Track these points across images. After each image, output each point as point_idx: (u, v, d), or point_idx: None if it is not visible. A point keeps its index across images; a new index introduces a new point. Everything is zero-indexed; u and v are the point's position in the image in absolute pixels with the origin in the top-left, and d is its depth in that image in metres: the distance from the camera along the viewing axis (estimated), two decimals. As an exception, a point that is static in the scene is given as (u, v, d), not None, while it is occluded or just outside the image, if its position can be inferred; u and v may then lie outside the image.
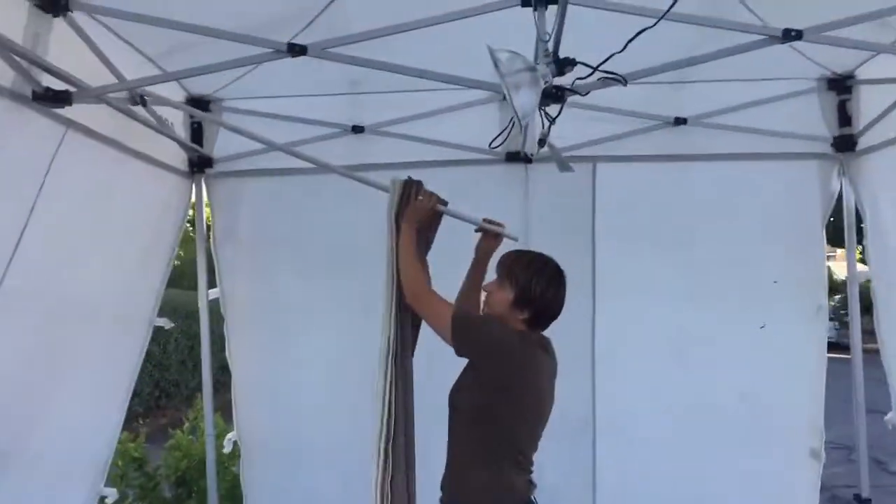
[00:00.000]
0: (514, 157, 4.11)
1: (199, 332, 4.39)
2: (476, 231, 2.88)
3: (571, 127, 3.42)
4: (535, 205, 4.07)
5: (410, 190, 2.75)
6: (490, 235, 2.87)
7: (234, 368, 4.40)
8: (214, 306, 4.31)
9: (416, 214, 2.71)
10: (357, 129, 4.17)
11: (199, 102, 4.15)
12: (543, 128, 3.18)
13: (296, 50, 2.69)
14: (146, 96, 3.39)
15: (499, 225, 2.85)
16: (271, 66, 2.86)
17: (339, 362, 4.19)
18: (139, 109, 3.42)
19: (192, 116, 4.17)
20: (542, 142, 3.17)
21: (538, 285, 2.49)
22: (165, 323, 4.06)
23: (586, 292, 4.11)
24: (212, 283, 4.33)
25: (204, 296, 4.27)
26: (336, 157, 3.82)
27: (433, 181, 2.85)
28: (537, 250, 2.62)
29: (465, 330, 2.46)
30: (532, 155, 3.76)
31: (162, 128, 3.63)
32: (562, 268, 2.55)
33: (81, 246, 3.28)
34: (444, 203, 2.80)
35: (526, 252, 2.62)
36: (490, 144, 3.40)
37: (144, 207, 3.88)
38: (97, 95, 2.89)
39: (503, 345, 2.46)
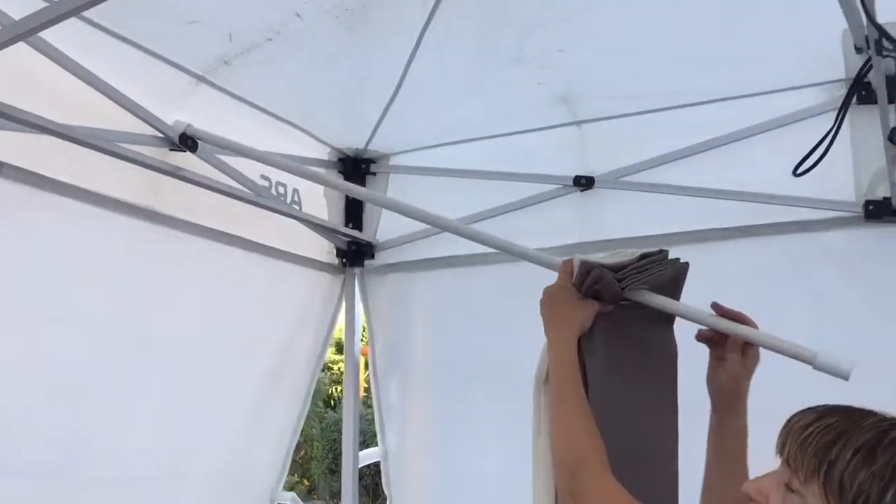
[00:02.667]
0: (883, 212, 2.20)
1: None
2: (700, 339, 1.50)
3: None
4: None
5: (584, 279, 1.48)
6: (745, 348, 1.44)
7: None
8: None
9: (581, 314, 1.48)
10: (583, 182, 2.60)
11: (354, 165, 2.85)
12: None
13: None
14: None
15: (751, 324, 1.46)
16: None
17: None
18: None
19: (347, 180, 2.86)
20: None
21: None
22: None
23: None
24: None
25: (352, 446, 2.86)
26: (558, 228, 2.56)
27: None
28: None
29: None
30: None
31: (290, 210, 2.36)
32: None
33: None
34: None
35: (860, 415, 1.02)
36: (795, 171, 1.96)
37: (270, 321, 2.60)
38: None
39: None
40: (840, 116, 1.89)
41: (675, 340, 1.56)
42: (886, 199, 2.13)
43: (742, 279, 2.34)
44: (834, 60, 2.14)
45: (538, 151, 2.63)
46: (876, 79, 1.70)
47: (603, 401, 1.44)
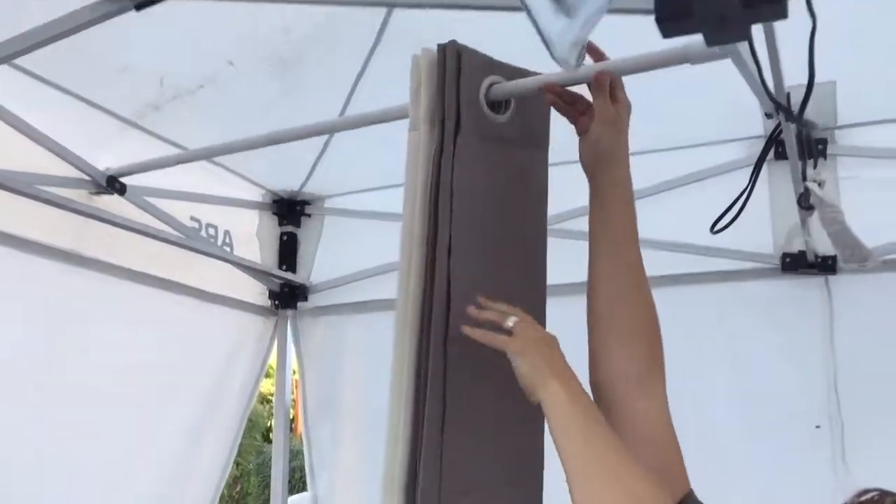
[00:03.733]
0: (798, 264, 2.30)
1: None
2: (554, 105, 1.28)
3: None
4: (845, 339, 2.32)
5: None
6: (612, 93, 1.21)
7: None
8: None
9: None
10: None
11: (289, 206, 2.85)
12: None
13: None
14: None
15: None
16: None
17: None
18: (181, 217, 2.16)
19: (281, 222, 2.86)
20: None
21: None
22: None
23: None
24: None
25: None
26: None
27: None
28: None
29: None
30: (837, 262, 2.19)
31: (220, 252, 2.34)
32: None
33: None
34: None
35: None
36: (712, 228, 1.94)
37: (200, 363, 2.56)
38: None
39: None
40: (755, 173, 1.96)
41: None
42: (802, 252, 2.21)
43: (665, 326, 2.39)
44: (756, 117, 2.23)
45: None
46: (787, 140, 1.77)
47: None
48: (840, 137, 2.24)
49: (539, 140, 1.36)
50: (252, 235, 2.76)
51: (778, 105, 1.12)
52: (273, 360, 2.90)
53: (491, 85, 1.28)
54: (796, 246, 2.26)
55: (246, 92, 2.19)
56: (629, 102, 1.23)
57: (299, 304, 2.89)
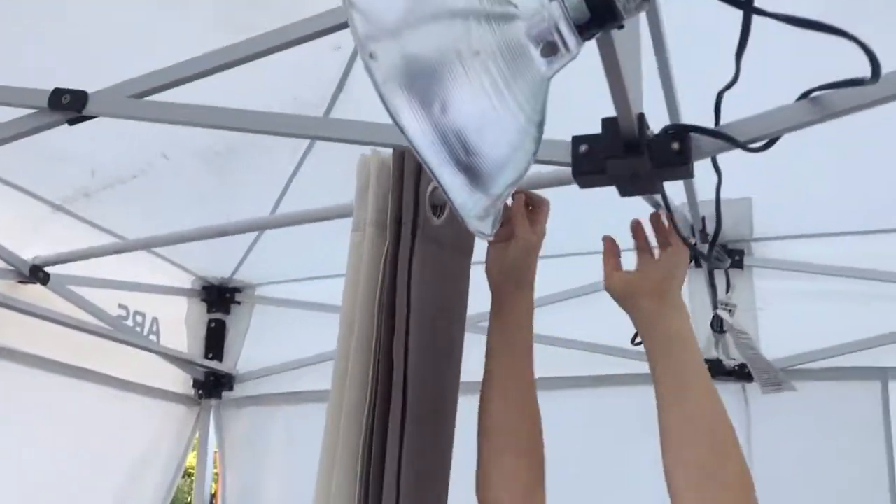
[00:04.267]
0: (716, 371, 2.32)
1: None
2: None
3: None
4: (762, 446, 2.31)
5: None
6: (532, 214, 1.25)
7: None
8: None
9: None
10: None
11: (219, 293, 2.83)
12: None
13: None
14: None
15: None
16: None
17: None
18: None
19: (210, 309, 2.83)
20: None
21: None
22: None
23: None
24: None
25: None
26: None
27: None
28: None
29: None
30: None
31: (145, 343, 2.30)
32: None
33: None
34: None
35: None
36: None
37: (117, 455, 2.48)
38: None
39: None
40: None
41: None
42: (719, 361, 2.28)
43: (589, 426, 2.43)
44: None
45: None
46: (707, 255, 1.85)
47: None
48: (756, 249, 2.35)
49: (467, 246, 1.37)
50: (180, 322, 2.72)
51: (681, 237, 1.17)
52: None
53: (434, 188, 1.29)
54: (713, 353, 2.32)
55: (179, 183, 2.20)
56: (545, 231, 1.25)
57: (224, 394, 2.83)
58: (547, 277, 2.52)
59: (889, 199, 2.08)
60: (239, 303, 2.88)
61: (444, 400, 1.22)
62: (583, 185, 0.90)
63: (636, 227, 1.21)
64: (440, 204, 1.31)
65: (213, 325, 2.85)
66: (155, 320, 2.59)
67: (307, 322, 2.74)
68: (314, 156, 2.17)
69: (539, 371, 2.43)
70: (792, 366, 2.26)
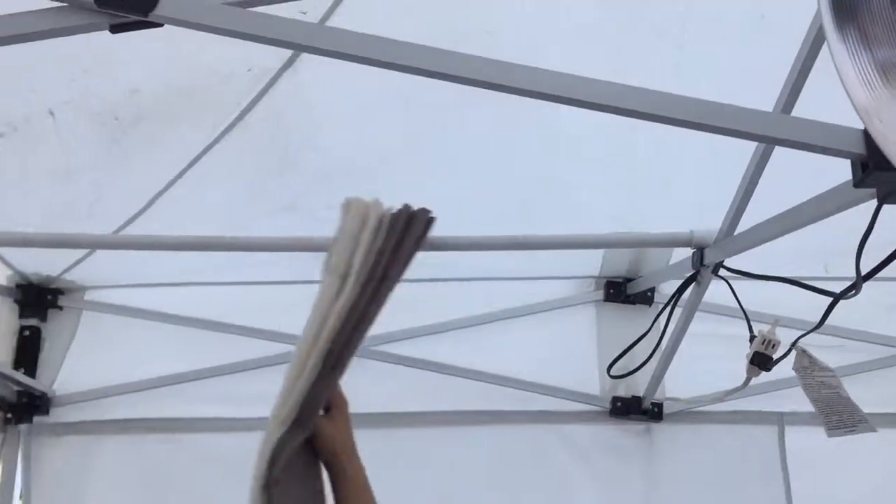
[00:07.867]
0: (628, 410, 2.29)
1: None
2: None
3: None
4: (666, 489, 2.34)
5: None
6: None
7: None
8: None
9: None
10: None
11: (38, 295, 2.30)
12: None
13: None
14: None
15: None
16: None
17: None
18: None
19: (23, 314, 2.28)
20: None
21: None
22: None
23: None
24: None
25: None
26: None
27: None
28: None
29: None
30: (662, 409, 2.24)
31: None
32: None
33: None
34: None
35: None
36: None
37: None
38: None
39: None
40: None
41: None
42: (637, 398, 2.23)
43: (486, 464, 2.28)
44: (595, 255, 2.25)
45: (295, 308, 2.36)
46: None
47: None
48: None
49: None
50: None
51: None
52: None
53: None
54: (621, 391, 2.27)
55: (49, 150, 1.73)
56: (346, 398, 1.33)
57: (35, 419, 2.28)
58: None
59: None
60: (61, 308, 2.35)
61: None
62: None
63: None
64: None
65: (26, 332, 2.30)
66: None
67: (151, 335, 2.33)
68: (230, 139, 1.82)
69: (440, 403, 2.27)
70: (691, 408, 2.27)
